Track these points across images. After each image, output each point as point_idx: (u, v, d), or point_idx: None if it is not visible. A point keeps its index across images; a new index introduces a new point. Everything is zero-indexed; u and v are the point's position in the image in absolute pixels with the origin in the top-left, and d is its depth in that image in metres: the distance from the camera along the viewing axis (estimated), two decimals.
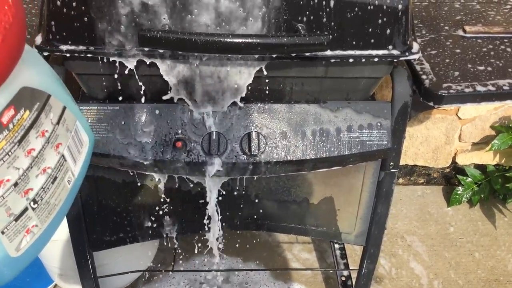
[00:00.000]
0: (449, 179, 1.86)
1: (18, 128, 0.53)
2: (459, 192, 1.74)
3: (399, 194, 1.82)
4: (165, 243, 1.58)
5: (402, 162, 1.77)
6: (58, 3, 0.76)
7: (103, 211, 1.07)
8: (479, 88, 0.88)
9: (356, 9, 0.78)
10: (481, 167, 1.77)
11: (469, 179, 1.74)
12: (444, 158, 1.76)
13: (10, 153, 0.52)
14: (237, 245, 1.57)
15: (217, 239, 1.12)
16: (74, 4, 0.75)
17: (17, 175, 0.54)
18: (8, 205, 0.53)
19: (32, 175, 0.56)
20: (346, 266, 1.51)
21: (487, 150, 1.69)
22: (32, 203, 0.56)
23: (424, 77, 0.90)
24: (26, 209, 0.55)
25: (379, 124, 0.92)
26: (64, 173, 0.61)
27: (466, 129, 1.68)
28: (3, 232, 0.53)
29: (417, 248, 1.63)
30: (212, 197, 1.02)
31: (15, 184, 0.54)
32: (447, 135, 1.69)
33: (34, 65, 0.57)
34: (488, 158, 1.76)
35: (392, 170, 1.00)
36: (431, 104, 0.89)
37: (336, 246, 1.57)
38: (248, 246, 1.59)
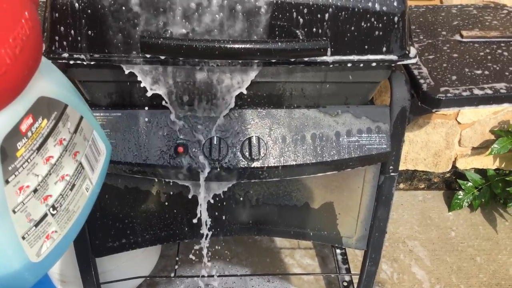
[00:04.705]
0: (450, 183, 1.86)
1: (37, 136, 0.54)
2: (459, 196, 1.74)
3: (400, 199, 1.83)
4: (169, 250, 1.59)
5: (402, 167, 1.78)
6: (61, 12, 0.77)
7: (105, 217, 1.07)
8: (477, 91, 0.89)
9: (354, 15, 0.79)
10: (482, 172, 1.77)
11: (470, 184, 1.74)
12: (445, 163, 1.77)
13: (29, 160, 0.54)
14: (239, 251, 1.58)
15: (214, 244, 1.13)
16: (76, 13, 0.77)
17: (37, 181, 0.55)
18: (28, 211, 0.54)
19: (51, 182, 0.57)
20: (348, 271, 1.51)
21: (487, 154, 1.69)
22: (51, 209, 0.57)
23: (422, 81, 0.91)
24: (45, 215, 0.57)
25: (378, 128, 0.93)
26: (82, 180, 0.63)
27: (466, 133, 1.69)
28: (23, 238, 0.54)
29: (418, 253, 1.63)
30: (203, 203, 1.02)
31: (35, 191, 0.55)
32: (447, 140, 1.70)
33: (51, 76, 0.59)
34: (488, 162, 1.76)
35: (391, 174, 1.01)
36: (429, 108, 0.90)
37: (338, 251, 1.58)
38: (250, 252, 1.59)
